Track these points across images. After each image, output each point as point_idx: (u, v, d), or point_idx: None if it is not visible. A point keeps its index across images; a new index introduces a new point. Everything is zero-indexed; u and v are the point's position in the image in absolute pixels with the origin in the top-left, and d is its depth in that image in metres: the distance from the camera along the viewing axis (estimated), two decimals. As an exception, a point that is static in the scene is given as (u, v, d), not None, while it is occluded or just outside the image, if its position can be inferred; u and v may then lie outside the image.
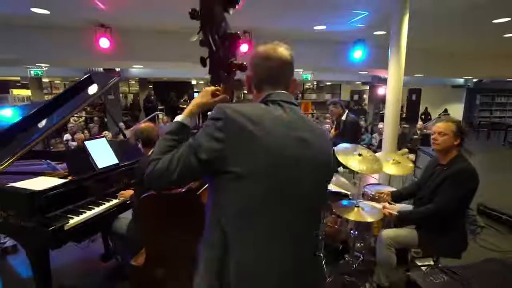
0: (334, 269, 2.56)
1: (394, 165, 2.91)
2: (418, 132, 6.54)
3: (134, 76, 11.32)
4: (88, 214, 2.20)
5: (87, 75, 3.07)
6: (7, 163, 2.18)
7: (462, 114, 13.04)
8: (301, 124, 0.92)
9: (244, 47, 5.26)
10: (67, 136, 6.38)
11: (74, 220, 2.11)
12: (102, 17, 4.40)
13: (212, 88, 1.05)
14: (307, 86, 19.14)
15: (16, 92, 11.53)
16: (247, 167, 0.84)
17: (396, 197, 2.48)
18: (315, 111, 13.38)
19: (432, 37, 5.66)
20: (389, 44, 3.90)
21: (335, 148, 2.94)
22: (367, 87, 13.17)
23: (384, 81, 10.84)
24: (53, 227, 1.98)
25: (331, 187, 2.57)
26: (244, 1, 3.64)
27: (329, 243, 2.80)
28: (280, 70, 0.97)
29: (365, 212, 2.31)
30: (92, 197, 2.35)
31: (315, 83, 16.97)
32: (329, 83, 18.14)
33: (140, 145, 2.29)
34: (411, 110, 14.30)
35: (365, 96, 15.14)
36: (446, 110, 12.71)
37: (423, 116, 12.92)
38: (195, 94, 16.23)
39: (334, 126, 4.54)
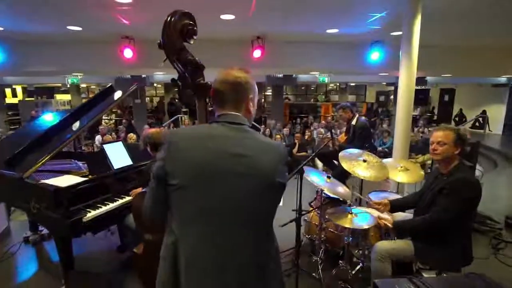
0: (331, 275, 2.60)
1: (403, 172, 2.89)
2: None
3: (159, 80, 11.93)
4: (103, 209, 2.51)
5: (109, 85, 3.44)
6: (41, 162, 2.54)
7: (504, 116, 11.62)
8: (237, 141, 1.04)
9: (257, 53, 5.46)
10: (98, 138, 6.96)
11: (91, 213, 2.42)
12: (126, 29, 4.82)
13: None
14: (330, 87, 18.94)
15: (59, 96, 12.72)
16: (181, 180, 0.99)
17: (396, 207, 2.37)
18: (335, 113, 13.06)
19: (461, 33, 5.37)
20: (401, 43, 3.83)
21: (340, 154, 2.96)
22: (393, 88, 12.77)
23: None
24: (73, 219, 2.31)
25: (328, 192, 2.60)
26: (255, 7, 3.88)
27: (329, 248, 2.85)
28: (228, 91, 1.09)
29: (358, 219, 2.32)
30: (107, 194, 2.66)
31: (337, 84, 16.77)
32: (353, 84, 17.79)
33: (148, 149, 2.55)
34: (443, 111, 13.50)
35: (392, 97, 14.65)
36: (484, 112, 11.50)
37: (456, 119, 12.23)
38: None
39: (344, 132, 4.53)
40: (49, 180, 2.57)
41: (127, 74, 8.47)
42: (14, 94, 12.75)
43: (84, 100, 13.25)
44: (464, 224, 1.97)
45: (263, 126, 9.07)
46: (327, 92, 18.95)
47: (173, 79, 1.16)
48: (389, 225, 2.13)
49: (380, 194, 3.16)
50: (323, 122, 10.21)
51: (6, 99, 11.46)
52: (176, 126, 10.18)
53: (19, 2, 3.54)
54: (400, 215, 2.51)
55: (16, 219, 3.96)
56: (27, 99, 12.20)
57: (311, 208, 3.02)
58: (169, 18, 1.06)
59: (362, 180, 3.77)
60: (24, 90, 12.86)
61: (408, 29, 3.70)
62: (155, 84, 15.93)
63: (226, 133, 1.06)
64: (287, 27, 4.95)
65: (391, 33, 5.24)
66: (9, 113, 11.04)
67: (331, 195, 2.75)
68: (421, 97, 11.68)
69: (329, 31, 5.13)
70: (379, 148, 6.92)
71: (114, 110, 11.41)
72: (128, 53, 5.13)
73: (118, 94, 3.26)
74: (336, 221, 2.31)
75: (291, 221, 2.71)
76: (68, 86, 9.81)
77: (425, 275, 2.09)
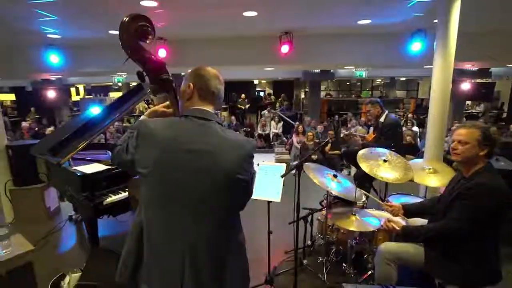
0: (337, 277, 2.52)
1: (431, 174, 2.66)
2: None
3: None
4: (122, 195, 2.78)
5: (138, 83, 3.74)
6: (75, 151, 2.86)
7: None
8: (201, 137, 1.09)
9: (284, 48, 5.41)
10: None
11: (111, 198, 2.70)
12: (160, 31, 5.16)
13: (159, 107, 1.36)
14: (378, 82, 17.82)
15: (112, 94, 14.10)
16: (146, 170, 1.08)
17: (411, 212, 2.21)
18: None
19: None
20: (436, 30, 3.46)
21: (358, 154, 2.82)
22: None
23: (469, 74, 9.36)
24: (95, 202, 2.60)
25: (334, 192, 2.51)
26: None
27: (341, 250, 2.76)
28: (216, 89, 1.19)
29: (361, 221, 2.19)
30: (127, 182, 2.92)
31: (384, 79, 15.72)
32: (403, 79, 16.51)
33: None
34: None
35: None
36: None
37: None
38: (261, 93, 16.70)
39: (373, 129, 4.28)
40: (80, 167, 2.91)
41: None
42: (78, 93, 14.57)
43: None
44: (486, 235, 1.72)
45: (297, 122, 8.95)
46: (373, 88, 17.91)
47: (138, 72, 1.25)
48: (397, 228, 1.96)
49: (402, 198, 2.96)
50: (362, 119, 9.70)
51: (72, 97, 13.20)
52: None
53: (71, 14, 4.05)
54: (417, 222, 2.33)
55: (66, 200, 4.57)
56: (87, 96, 13.82)
57: (322, 208, 2.95)
58: (124, 19, 1.14)
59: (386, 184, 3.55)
60: (85, 89, 14.59)
61: (444, 12, 3.29)
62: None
63: (191, 128, 1.12)
64: (313, 21, 4.80)
65: (435, 21, 4.76)
66: (74, 109, 12.63)
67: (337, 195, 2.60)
68: (484, 92, 10.31)
69: (360, 22, 4.85)
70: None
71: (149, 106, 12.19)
72: (162, 53, 5.49)
73: (144, 92, 3.54)
74: (337, 223, 2.22)
75: (299, 219, 2.70)
76: (117, 84, 10.79)
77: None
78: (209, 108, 1.18)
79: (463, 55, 3.98)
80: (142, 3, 3.57)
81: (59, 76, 10.03)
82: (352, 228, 2.15)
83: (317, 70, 9.81)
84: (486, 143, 1.72)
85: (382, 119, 3.85)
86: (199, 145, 1.08)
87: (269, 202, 2.44)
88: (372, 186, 3.92)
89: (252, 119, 12.28)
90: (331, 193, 2.53)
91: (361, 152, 2.98)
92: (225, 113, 12.75)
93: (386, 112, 3.90)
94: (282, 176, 2.09)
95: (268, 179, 2.36)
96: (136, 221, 1.20)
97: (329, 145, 7.31)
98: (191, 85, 1.19)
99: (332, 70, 10.13)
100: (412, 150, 6.01)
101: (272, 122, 10.24)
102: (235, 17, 4.36)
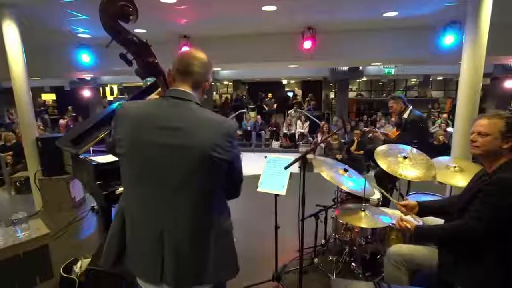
0: (349, 278, 2.36)
1: (457, 173, 2.45)
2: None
3: (224, 78, 12.58)
4: (134, 185, 2.83)
5: (154, 80, 3.82)
6: (92, 142, 2.97)
7: None
8: (176, 115, 1.07)
9: (307, 44, 5.27)
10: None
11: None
12: (183, 28, 5.27)
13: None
14: (413, 82, 16.87)
15: (144, 94, 14.79)
16: (122, 149, 1.08)
17: (427, 210, 2.00)
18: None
19: None
20: (465, 19, 3.19)
21: (376, 150, 2.66)
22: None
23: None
24: (108, 191, 2.67)
25: (345, 188, 2.35)
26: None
27: (354, 249, 2.62)
28: (194, 69, 1.15)
29: (370, 218, 2.05)
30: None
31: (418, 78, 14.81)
32: (440, 78, 15.50)
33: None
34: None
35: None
36: None
37: None
38: (290, 94, 16.62)
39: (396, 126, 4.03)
40: (97, 157, 3.02)
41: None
42: (112, 93, 15.45)
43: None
44: (510, 234, 1.51)
45: (323, 122, 8.73)
46: (407, 88, 16.99)
47: (120, 54, 1.24)
48: (410, 227, 1.76)
49: (422, 197, 2.75)
50: (392, 119, 9.19)
51: (107, 97, 14.01)
52: (239, 121, 10.63)
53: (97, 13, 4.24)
54: (433, 222, 2.12)
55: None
56: (120, 96, 14.61)
57: (332, 205, 2.79)
58: (101, 2, 1.12)
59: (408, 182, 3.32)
60: (118, 89, 15.44)
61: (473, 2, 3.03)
62: (225, 82, 16.91)
63: (167, 108, 1.11)
64: (336, 15, 4.62)
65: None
66: (108, 108, 13.39)
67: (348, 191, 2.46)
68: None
69: (386, 14, 4.58)
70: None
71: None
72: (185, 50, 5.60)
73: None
74: (344, 219, 2.09)
75: (310, 216, 2.60)
76: (146, 84, 11.23)
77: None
78: (187, 89, 1.15)
79: (499, 49, 3.61)
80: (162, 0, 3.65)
81: (93, 76, 10.66)
82: (359, 224, 2.03)
83: (345, 68, 9.49)
84: (510, 134, 1.52)
85: (405, 115, 3.65)
86: (173, 123, 1.07)
87: (276, 195, 2.36)
88: (396, 187, 3.67)
89: (279, 119, 12.16)
90: (341, 189, 2.38)
91: (379, 148, 2.82)
92: (252, 113, 12.78)
93: (410, 108, 3.67)
94: (285, 168, 2.00)
95: (275, 171, 2.28)
96: (121, 204, 1.20)
97: (355, 144, 7.04)
98: (170, 68, 1.19)
99: (360, 68, 9.74)
100: (444, 150, 5.58)
101: (298, 121, 10.09)
102: (254, 12, 4.32)
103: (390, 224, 2.01)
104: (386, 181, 3.46)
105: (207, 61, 1.19)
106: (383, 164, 2.59)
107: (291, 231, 2.58)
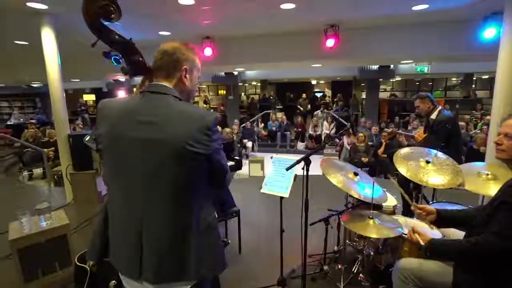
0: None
1: (490, 181, 2.21)
2: None
3: (252, 78, 12.60)
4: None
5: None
6: None
7: None
8: (151, 110, 1.07)
9: (330, 42, 5.09)
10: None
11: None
12: (206, 30, 5.36)
13: None
14: (454, 81, 15.63)
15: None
16: (102, 145, 1.11)
17: (446, 219, 1.81)
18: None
19: None
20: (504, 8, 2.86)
21: (397, 153, 2.48)
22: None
23: None
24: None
25: (353, 194, 2.20)
26: None
27: (367, 259, 2.46)
28: (159, 61, 1.15)
29: (379, 227, 1.91)
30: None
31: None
32: (485, 77, 14.21)
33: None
34: None
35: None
36: None
37: None
38: (318, 94, 16.26)
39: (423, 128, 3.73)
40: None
41: (222, 72, 9.34)
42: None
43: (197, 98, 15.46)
44: None
45: (349, 123, 8.42)
46: (447, 88, 15.80)
47: (103, 52, 1.26)
48: (420, 241, 1.62)
49: (447, 207, 2.51)
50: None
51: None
52: (264, 122, 10.62)
53: (127, 18, 4.45)
54: (455, 235, 1.93)
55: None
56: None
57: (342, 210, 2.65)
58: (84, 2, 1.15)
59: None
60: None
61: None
62: (254, 83, 16.98)
63: (143, 102, 1.11)
64: (359, 11, 4.41)
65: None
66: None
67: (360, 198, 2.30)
68: None
69: (416, 8, 4.27)
70: None
71: (213, 105, 12.84)
72: (208, 51, 5.69)
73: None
74: (350, 227, 1.95)
75: (319, 221, 2.51)
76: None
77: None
78: (163, 82, 1.14)
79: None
80: (180, 1, 3.73)
81: (126, 78, 11.26)
82: (365, 233, 1.89)
83: (375, 67, 9.04)
84: None
85: (433, 116, 3.33)
86: (148, 117, 1.06)
87: (281, 198, 2.29)
88: (422, 194, 3.39)
89: (308, 120, 11.92)
90: (351, 195, 2.24)
91: (400, 151, 2.64)
92: (280, 114, 12.69)
93: (439, 108, 3.35)
94: (287, 169, 1.93)
95: (280, 173, 2.21)
96: (105, 200, 1.23)
97: (383, 147, 6.68)
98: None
99: (392, 67, 9.22)
100: (483, 156, 5.07)
101: (325, 122, 9.83)
102: (273, 10, 4.27)
103: (401, 235, 1.85)
104: (410, 187, 3.23)
105: (175, 49, 1.15)
106: (402, 168, 2.44)
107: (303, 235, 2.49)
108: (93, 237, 1.25)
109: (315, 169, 2.17)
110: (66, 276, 2.56)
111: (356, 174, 2.21)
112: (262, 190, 2.24)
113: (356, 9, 4.34)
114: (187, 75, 1.17)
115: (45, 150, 6.31)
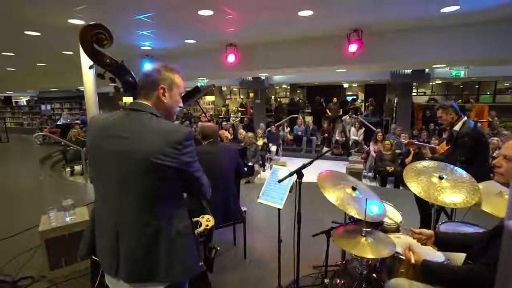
0: None
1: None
2: None
3: (279, 82, 12.58)
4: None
5: (195, 86, 4.12)
6: None
7: None
8: (125, 125, 1.20)
9: (352, 47, 4.97)
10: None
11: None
12: (229, 37, 5.52)
13: None
14: (506, 85, 14.23)
15: (207, 98, 15.83)
16: (88, 156, 1.29)
17: (446, 243, 1.72)
18: (496, 119, 8.54)
19: None
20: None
21: (407, 167, 2.37)
22: None
23: None
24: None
25: (349, 211, 2.11)
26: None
27: (372, 275, 2.36)
28: (140, 83, 1.29)
29: (371, 245, 1.81)
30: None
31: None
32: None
33: (199, 138, 2.98)
34: None
35: None
36: None
37: None
38: (348, 98, 15.79)
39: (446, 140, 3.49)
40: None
41: (248, 76, 9.48)
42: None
43: (228, 101, 15.87)
44: None
45: (378, 129, 8.06)
46: (496, 91, 14.45)
47: (98, 74, 1.40)
48: (412, 259, 1.57)
49: (459, 228, 2.35)
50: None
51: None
52: (291, 126, 10.55)
53: (156, 28, 4.80)
54: (458, 257, 1.81)
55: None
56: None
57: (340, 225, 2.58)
58: (80, 29, 1.30)
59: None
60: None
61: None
62: (284, 86, 16.95)
63: (121, 118, 1.24)
64: (382, 14, 4.25)
65: None
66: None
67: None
68: None
69: (444, 10, 4.02)
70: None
71: (241, 109, 13.07)
72: (231, 58, 5.85)
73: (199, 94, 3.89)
74: (340, 244, 1.89)
75: (321, 233, 2.48)
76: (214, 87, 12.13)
77: None
78: (143, 101, 1.26)
79: None
80: (199, 12, 3.91)
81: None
82: (354, 252, 1.80)
83: (408, 71, 8.57)
84: None
85: (457, 127, 3.09)
86: (123, 133, 1.19)
87: (279, 209, 2.31)
88: (445, 211, 3.18)
89: (337, 125, 11.62)
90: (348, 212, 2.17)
91: (411, 165, 2.51)
92: (308, 118, 12.55)
93: (464, 119, 3.10)
94: (279, 181, 1.95)
95: (276, 184, 2.23)
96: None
97: (410, 156, 6.31)
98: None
99: (427, 70, 8.67)
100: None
101: (353, 128, 9.53)
102: (291, 18, 4.28)
103: (395, 255, 1.78)
104: (425, 203, 3.05)
105: (153, 71, 1.26)
106: (411, 183, 2.31)
107: (309, 245, 2.48)
108: (85, 234, 1.39)
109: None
110: (84, 267, 2.81)
111: (354, 188, 2.14)
112: (259, 200, 2.28)
113: (379, 13, 4.19)
114: (165, 93, 1.27)
115: (82, 149, 6.91)
